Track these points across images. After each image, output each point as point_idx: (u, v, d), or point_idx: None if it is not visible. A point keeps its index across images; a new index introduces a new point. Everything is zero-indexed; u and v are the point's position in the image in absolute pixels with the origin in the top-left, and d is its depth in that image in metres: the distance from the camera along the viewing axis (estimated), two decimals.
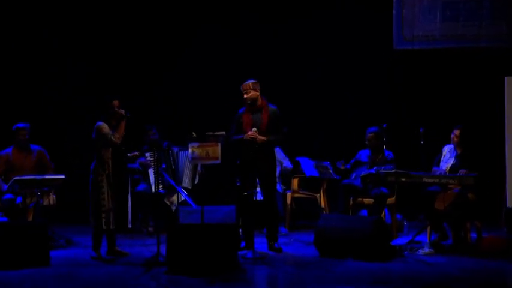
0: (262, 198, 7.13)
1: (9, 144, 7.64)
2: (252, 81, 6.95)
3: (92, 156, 6.64)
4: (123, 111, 6.58)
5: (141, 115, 8.57)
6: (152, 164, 7.81)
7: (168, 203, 8.04)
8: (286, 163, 8.53)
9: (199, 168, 8.16)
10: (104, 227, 6.53)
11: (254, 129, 6.88)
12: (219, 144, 6.48)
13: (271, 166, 7.00)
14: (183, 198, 7.59)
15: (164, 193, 7.99)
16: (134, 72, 9.18)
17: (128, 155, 7.00)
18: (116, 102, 6.64)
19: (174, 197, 7.95)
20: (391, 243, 6.88)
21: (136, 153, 6.86)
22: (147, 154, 8.08)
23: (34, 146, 7.77)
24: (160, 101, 9.34)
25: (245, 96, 6.93)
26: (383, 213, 7.56)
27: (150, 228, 8.05)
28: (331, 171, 7.80)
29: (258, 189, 7.27)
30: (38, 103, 8.98)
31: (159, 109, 9.25)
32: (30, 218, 7.28)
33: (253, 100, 6.92)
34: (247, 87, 6.94)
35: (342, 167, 7.66)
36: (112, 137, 6.49)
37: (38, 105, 9.03)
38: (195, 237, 6.03)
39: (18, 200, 7.27)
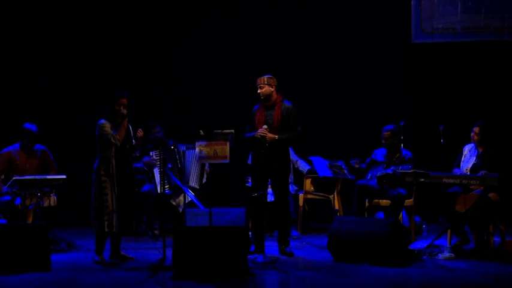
0: (273, 200, 7.14)
1: (15, 140, 7.68)
2: (268, 76, 6.97)
3: (95, 154, 6.67)
4: (124, 111, 6.59)
5: (145, 113, 8.70)
6: (157, 163, 7.82)
7: (174, 203, 8.06)
8: (302, 163, 8.51)
9: (207, 167, 8.16)
10: (106, 229, 6.53)
11: (264, 126, 6.88)
12: (228, 143, 6.49)
13: (284, 166, 7.00)
14: (189, 199, 7.60)
15: (170, 194, 8.01)
16: (138, 68, 9.21)
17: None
18: (123, 100, 6.64)
19: (181, 198, 7.96)
20: (409, 247, 6.86)
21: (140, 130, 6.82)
22: (152, 153, 8.09)
23: (38, 146, 7.80)
24: (166, 98, 9.37)
25: (258, 91, 6.94)
26: (400, 215, 7.53)
27: (156, 231, 8.07)
28: (345, 171, 7.79)
29: (269, 190, 7.24)
30: (39, 99, 9.05)
31: (164, 106, 9.30)
32: (30, 220, 7.32)
33: (266, 96, 6.93)
34: (261, 82, 6.95)
35: (356, 166, 7.65)
36: (112, 138, 6.51)
37: (40, 101, 9.10)
38: (202, 240, 6.03)
39: (18, 201, 7.30)
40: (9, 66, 8.86)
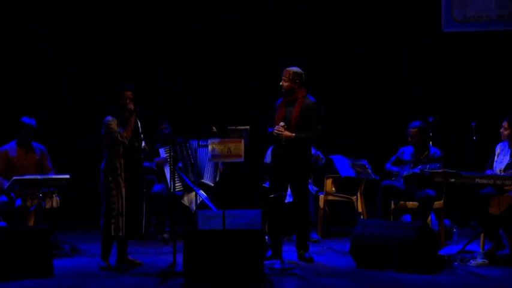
0: (291, 201, 7.14)
1: (12, 137, 7.77)
2: (294, 69, 6.96)
3: (102, 153, 6.69)
4: (131, 106, 6.59)
5: (155, 109, 8.77)
6: (168, 160, 7.83)
7: (186, 203, 8.06)
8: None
9: (220, 165, 8.17)
10: (113, 233, 6.55)
11: (281, 123, 6.88)
12: (243, 140, 6.49)
13: (303, 166, 6.98)
14: (201, 199, 7.61)
15: (181, 194, 8.02)
16: (138, 68, 9.27)
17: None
18: (128, 94, 6.65)
19: (192, 194, 7.95)
20: (439, 252, 6.83)
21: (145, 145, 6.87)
22: (162, 150, 8.11)
23: (37, 144, 7.84)
24: (166, 98, 9.41)
25: (281, 83, 6.94)
26: (429, 218, 7.51)
27: (165, 235, 8.08)
28: (369, 171, 7.78)
29: (288, 191, 7.24)
30: (39, 99, 9.17)
31: (164, 106, 9.36)
32: (31, 223, 7.34)
33: (287, 90, 6.93)
34: (285, 75, 6.95)
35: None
36: (119, 136, 6.52)
37: (40, 101, 9.21)
38: (215, 244, 6.03)
39: (18, 202, 7.32)
40: (9, 66, 9.05)
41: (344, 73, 9.31)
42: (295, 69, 6.96)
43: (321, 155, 8.43)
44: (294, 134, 6.85)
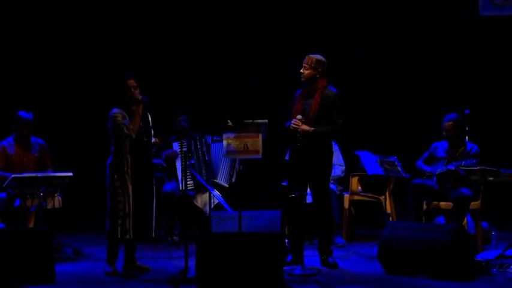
0: (313, 202, 7.11)
1: (9, 133, 7.84)
2: (317, 56, 6.95)
3: (109, 149, 6.71)
4: (139, 96, 6.59)
5: (167, 100, 8.97)
6: (180, 154, 7.85)
7: (199, 204, 8.09)
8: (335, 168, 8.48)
9: (237, 164, 8.15)
10: (119, 235, 6.56)
11: (299, 117, 6.87)
12: (261, 135, 6.47)
13: (323, 163, 6.98)
14: (216, 201, 7.64)
15: (193, 194, 8.03)
16: (138, 68, 9.29)
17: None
18: (131, 82, 6.65)
19: (206, 196, 7.96)
20: (476, 257, 6.78)
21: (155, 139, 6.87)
22: (175, 144, 8.12)
23: (36, 139, 7.88)
24: (166, 98, 9.49)
25: (301, 70, 6.93)
26: (465, 220, 7.48)
27: (176, 238, 8.10)
28: (399, 168, 7.73)
29: (309, 190, 7.22)
30: (39, 99, 9.32)
31: (164, 106, 9.43)
32: (31, 224, 7.36)
33: (307, 79, 6.92)
34: (306, 62, 6.93)
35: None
36: (125, 129, 6.52)
37: (41, 97, 9.39)
38: (230, 248, 6.03)
39: (17, 202, 7.35)
40: (9, 66, 9.32)
41: (371, 64, 9.32)
42: (319, 56, 6.95)
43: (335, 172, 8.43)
44: (312, 128, 6.85)
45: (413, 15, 9.27)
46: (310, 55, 6.94)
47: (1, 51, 9.29)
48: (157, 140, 6.80)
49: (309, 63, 6.90)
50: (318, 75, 6.92)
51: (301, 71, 6.91)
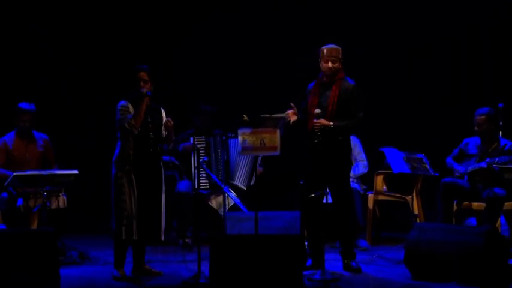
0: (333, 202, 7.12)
1: (11, 128, 7.91)
2: (339, 48, 6.96)
3: (115, 144, 6.74)
4: (143, 90, 6.60)
5: (167, 101, 9.00)
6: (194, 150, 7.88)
7: (214, 206, 8.12)
8: (357, 165, 8.49)
9: (259, 167, 8.14)
10: (123, 237, 6.56)
11: (317, 110, 6.85)
12: (278, 131, 6.47)
13: (343, 160, 6.99)
14: (232, 202, 7.65)
15: (207, 194, 8.06)
16: (146, 62, 9.41)
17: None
18: (142, 75, 6.67)
19: (221, 197, 7.98)
20: (510, 262, 6.74)
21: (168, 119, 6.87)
22: (192, 139, 8.10)
23: (39, 134, 7.92)
24: (166, 98, 9.51)
25: (329, 65, 6.88)
26: (498, 222, 7.44)
27: (189, 240, 8.11)
28: (427, 166, 7.72)
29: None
30: (41, 95, 9.40)
31: (175, 102, 9.52)
32: (34, 226, 7.41)
33: (335, 73, 6.93)
34: (333, 53, 6.90)
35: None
36: (126, 124, 6.53)
37: (41, 97, 9.37)
38: (246, 252, 6.03)
39: (19, 202, 7.40)
40: (9, 66, 9.53)
41: (394, 52, 9.38)
42: (337, 46, 6.95)
43: (357, 166, 8.41)
44: (331, 123, 6.83)
45: (413, 15, 9.35)
46: (332, 46, 6.93)
47: (1, 51, 9.51)
48: (169, 120, 6.73)
49: (336, 55, 6.91)
50: (341, 67, 6.94)
51: (330, 65, 6.87)
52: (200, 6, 9.68)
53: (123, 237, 6.57)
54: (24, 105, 7.71)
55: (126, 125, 6.53)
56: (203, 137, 8.14)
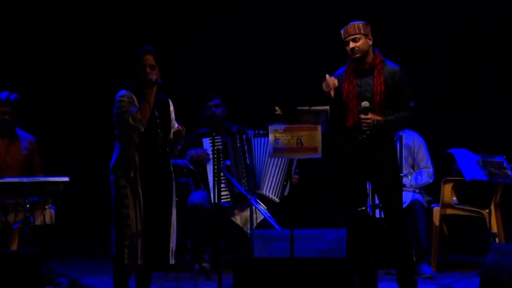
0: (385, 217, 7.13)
1: None
2: (363, 23, 7.00)
3: (112, 146, 6.74)
4: (153, 76, 6.60)
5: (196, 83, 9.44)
6: (211, 155, 7.84)
7: (238, 222, 8.12)
8: (419, 174, 8.48)
9: (294, 174, 8.11)
10: (126, 261, 6.52)
11: (365, 103, 6.84)
12: (320, 127, 6.48)
13: (393, 163, 7.03)
14: (261, 216, 7.66)
15: (229, 206, 8.05)
16: (156, 50, 9.75)
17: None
18: (148, 59, 6.67)
19: (247, 211, 7.98)
20: None
21: (179, 126, 6.86)
22: (206, 140, 8.13)
23: (23, 134, 7.97)
24: (177, 93, 9.68)
25: (351, 45, 6.92)
26: None
27: (206, 264, 8.10)
28: (509, 172, 7.67)
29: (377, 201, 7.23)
30: (41, 95, 9.95)
31: (175, 102, 9.68)
32: (14, 246, 7.43)
33: (363, 53, 6.95)
34: (354, 31, 6.93)
35: None
36: (130, 118, 6.49)
37: (42, 97, 9.98)
38: (279, 279, 6.02)
39: None
40: (9, 66, 10.18)
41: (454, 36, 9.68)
42: (361, 21, 6.98)
43: (418, 174, 8.48)
44: (383, 118, 6.88)
45: (413, 15, 9.65)
46: (352, 23, 6.97)
47: (1, 51, 10.26)
48: (181, 128, 6.72)
49: (357, 31, 6.92)
50: (371, 45, 6.97)
51: (351, 45, 6.91)
52: (200, 6, 10.53)
53: (126, 262, 6.53)
54: (6, 95, 7.78)
55: (131, 120, 6.49)
56: (219, 136, 8.10)
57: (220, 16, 10.46)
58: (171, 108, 6.83)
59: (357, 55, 6.91)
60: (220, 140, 8.14)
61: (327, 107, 6.74)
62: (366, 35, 6.93)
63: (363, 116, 6.78)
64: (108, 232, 6.72)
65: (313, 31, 9.97)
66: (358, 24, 6.94)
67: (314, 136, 6.44)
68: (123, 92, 6.63)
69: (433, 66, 9.72)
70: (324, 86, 6.86)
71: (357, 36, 6.91)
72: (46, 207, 7.54)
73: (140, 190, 6.56)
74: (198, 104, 8.82)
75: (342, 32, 6.97)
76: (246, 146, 8.12)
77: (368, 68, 6.95)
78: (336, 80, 6.87)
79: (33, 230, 7.30)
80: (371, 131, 6.80)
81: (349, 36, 6.92)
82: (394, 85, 6.90)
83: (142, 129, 6.53)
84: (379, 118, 6.81)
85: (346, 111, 6.91)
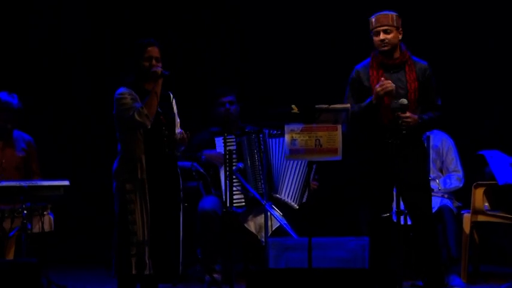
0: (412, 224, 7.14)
1: None
2: (395, 14, 7.01)
3: (115, 148, 6.74)
4: (158, 69, 6.59)
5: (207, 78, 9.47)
6: (226, 158, 7.81)
7: (252, 229, 8.11)
8: (448, 177, 8.45)
9: (313, 181, 8.09)
10: (134, 271, 6.50)
11: (404, 100, 6.80)
12: (340, 127, 6.50)
13: (423, 165, 7.07)
14: (277, 223, 7.66)
15: (242, 212, 8.05)
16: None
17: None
18: (152, 51, 6.66)
19: (261, 217, 7.97)
20: None
21: (183, 132, 6.84)
22: (219, 140, 8.14)
23: (21, 134, 8.00)
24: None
25: (381, 36, 6.91)
26: None
27: (217, 275, 8.06)
28: None
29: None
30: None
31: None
32: (10, 256, 7.43)
33: (392, 47, 6.98)
34: (387, 21, 6.93)
35: None
36: (136, 114, 6.47)
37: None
38: None
39: None
40: (9, 66, 10.28)
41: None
42: (393, 12, 7.00)
43: (447, 178, 8.48)
44: (419, 117, 6.90)
45: (441, 8, 9.68)
46: (384, 12, 7.00)
47: (1, 51, 10.37)
48: (185, 135, 6.70)
49: (390, 22, 6.97)
50: (401, 38, 7.01)
51: (382, 36, 6.93)
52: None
53: (133, 272, 6.51)
54: (4, 96, 7.81)
55: (136, 116, 6.47)
56: (232, 136, 8.06)
57: (234, 6, 10.44)
58: (174, 102, 6.85)
59: (385, 48, 6.93)
60: (233, 140, 8.10)
61: (348, 105, 6.79)
62: (397, 28, 6.94)
63: (402, 115, 6.75)
64: (109, 240, 6.75)
65: (334, 22, 9.94)
66: (392, 15, 6.97)
67: (334, 136, 6.47)
68: (122, 89, 6.62)
69: (462, 62, 9.66)
70: (378, 88, 6.83)
71: (389, 27, 6.94)
72: (45, 213, 7.55)
73: (147, 194, 6.54)
74: (206, 99, 8.83)
75: (373, 20, 6.97)
76: (262, 147, 8.10)
77: (398, 63, 6.97)
78: (393, 85, 6.85)
79: (31, 238, 7.27)
80: (405, 132, 6.75)
81: (381, 26, 6.94)
82: (424, 82, 6.95)
83: (149, 126, 6.52)
84: (416, 117, 6.83)
85: (377, 109, 6.90)
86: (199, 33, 10.44)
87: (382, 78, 6.84)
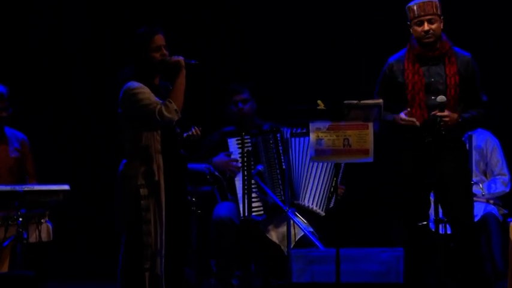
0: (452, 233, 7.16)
1: None
2: (437, 1, 6.99)
3: (122, 148, 6.68)
4: (180, 58, 6.54)
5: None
6: (241, 158, 7.81)
7: (274, 238, 8.08)
8: (494, 181, 8.45)
9: (339, 183, 8.03)
10: (147, 285, 6.41)
11: (442, 98, 6.77)
12: (371, 125, 6.52)
13: (464, 169, 7.06)
14: (301, 233, 7.76)
15: (262, 220, 8.02)
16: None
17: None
18: (158, 39, 6.61)
19: (284, 226, 7.91)
20: None
21: (194, 130, 6.79)
22: (231, 141, 8.14)
23: (14, 132, 8.03)
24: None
25: (426, 27, 6.89)
26: None
27: (235, 281, 8.07)
28: None
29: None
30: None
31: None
32: (5, 268, 7.40)
33: (436, 38, 6.97)
34: (432, 10, 6.91)
35: None
36: (164, 109, 6.41)
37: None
38: None
39: None
40: (8, 66, 10.51)
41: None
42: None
43: (492, 182, 8.49)
44: (459, 116, 6.90)
45: None
46: (425, 1, 6.97)
47: (1, 51, 10.71)
48: (197, 131, 6.65)
49: (436, 10, 6.98)
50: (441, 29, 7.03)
51: (426, 27, 6.93)
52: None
53: (147, 286, 6.47)
54: None
55: (165, 111, 6.40)
56: (248, 136, 8.00)
57: (234, 6, 10.69)
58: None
59: (430, 39, 6.91)
60: (249, 140, 8.04)
61: (380, 101, 6.75)
62: (440, 17, 6.93)
63: (440, 113, 6.72)
64: (116, 250, 6.66)
65: (334, 22, 10.09)
66: (435, 2, 6.98)
67: (364, 136, 6.51)
68: (135, 84, 6.53)
69: (507, 54, 9.62)
70: (402, 122, 6.88)
71: (434, 17, 6.95)
72: (42, 221, 7.54)
73: (163, 200, 6.48)
74: (206, 99, 9.08)
75: (415, 8, 6.96)
76: (281, 148, 8.04)
77: (437, 55, 6.95)
78: (418, 124, 6.85)
79: (27, 249, 7.29)
80: (445, 133, 6.74)
81: (425, 15, 6.92)
82: (467, 76, 6.94)
83: (174, 122, 6.50)
84: (455, 116, 6.78)
85: (410, 106, 6.90)
86: (199, 33, 10.68)
87: (442, 97, 6.73)
